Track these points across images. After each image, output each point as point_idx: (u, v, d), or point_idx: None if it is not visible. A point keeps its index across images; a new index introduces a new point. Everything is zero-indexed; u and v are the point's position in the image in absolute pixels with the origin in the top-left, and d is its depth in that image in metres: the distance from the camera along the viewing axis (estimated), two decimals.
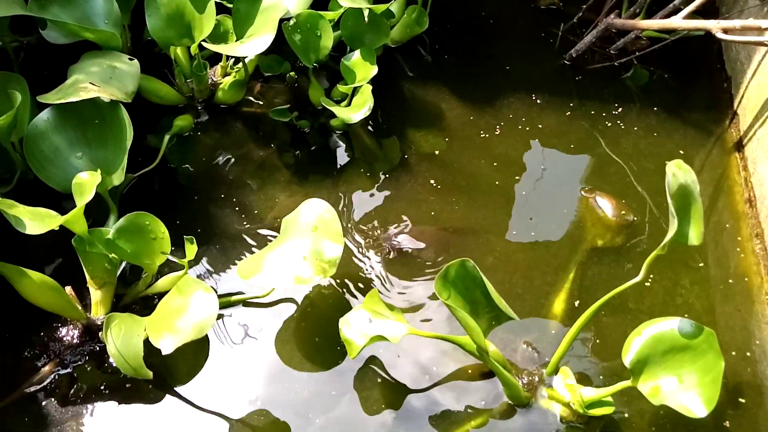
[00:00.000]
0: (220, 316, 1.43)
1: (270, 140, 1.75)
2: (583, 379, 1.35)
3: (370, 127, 1.78)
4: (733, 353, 1.40)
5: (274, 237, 1.53)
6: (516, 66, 1.96)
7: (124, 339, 1.18)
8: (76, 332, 1.37)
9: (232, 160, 1.70)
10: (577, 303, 1.46)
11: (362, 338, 1.23)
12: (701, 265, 1.54)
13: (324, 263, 1.30)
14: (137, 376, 1.19)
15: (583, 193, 1.67)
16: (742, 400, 1.34)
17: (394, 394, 1.34)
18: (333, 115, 1.74)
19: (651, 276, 1.51)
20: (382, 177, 1.69)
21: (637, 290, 1.49)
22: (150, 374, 1.19)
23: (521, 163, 1.73)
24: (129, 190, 1.60)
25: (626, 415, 1.31)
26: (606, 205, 1.62)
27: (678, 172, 1.14)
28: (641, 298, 1.48)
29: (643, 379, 1.18)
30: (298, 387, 1.34)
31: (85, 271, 1.38)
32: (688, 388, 1.13)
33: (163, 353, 1.18)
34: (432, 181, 1.68)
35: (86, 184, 1.31)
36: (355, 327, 1.25)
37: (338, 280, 1.49)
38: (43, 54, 1.75)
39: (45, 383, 1.32)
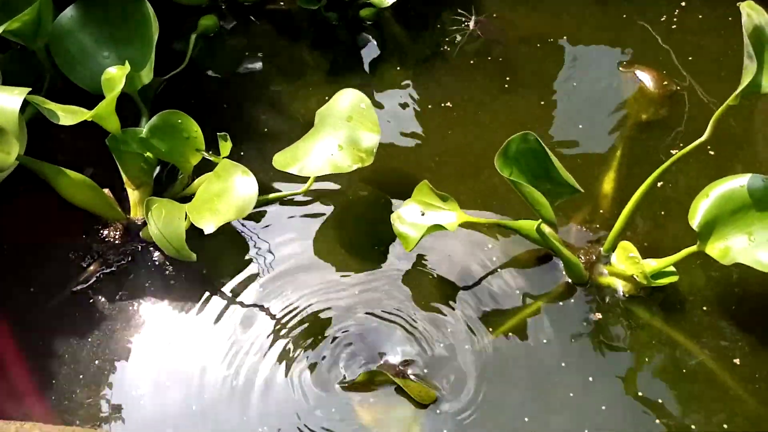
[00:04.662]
0: (259, 215, 1.40)
1: (298, 37, 1.67)
2: (641, 252, 1.28)
3: (401, 17, 1.70)
4: None
5: None
6: None
7: (165, 221, 1.16)
8: (117, 233, 1.36)
9: (261, 59, 1.64)
10: (626, 179, 1.39)
11: (417, 231, 1.19)
12: (755, 145, 1.46)
13: (361, 152, 1.27)
14: (181, 257, 1.17)
15: (621, 68, 1.58)
16: None
17: (445, 290, 1.29)
18: (362, 6, 1.66)
19: (706, 150, 1.43)
20: (417, 68, 1.61)
21: (689, 168, 1.41)
22: (193, 255, 1.17)
23: (559, 44, 1.63)
24: (159, 95, 1.55)
25: (687, 286, 1.26)
26: (646, 78, 1.54)
27: (752, 13, 1.05)
28: (693, 177, 1.40)
29: (712, 242, 1.12)
30: (340, 287, 1.30)
31: (121, 171, 1.36)
32: (760, 245, 1.07)
33: (205, 233, 1.16)
34: (469, 70, 1.59)
35: (115, 77, 1.28)
36: (409, 220, 1.21)
37: (375, 175, 1.43)
38: None
39: (91, 282, 1.31)
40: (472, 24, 1.63)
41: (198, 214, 1.16)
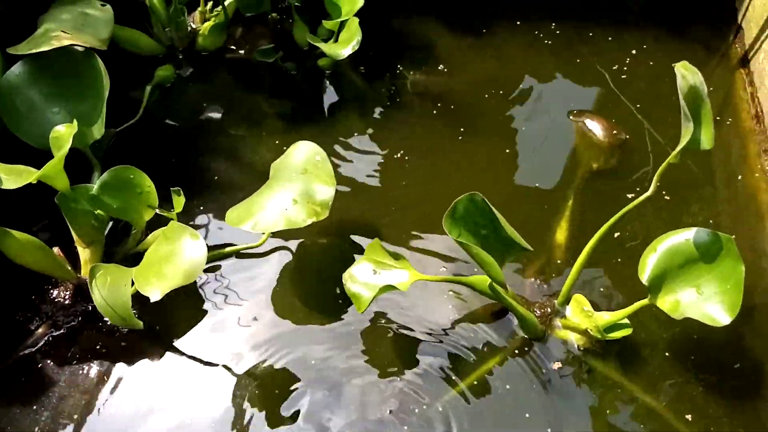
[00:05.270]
0: (214, 269, 1.38)
1: (256, 87, 1.67)
2: (595, 305, 1.28)
3: (359, 66, 1.71)
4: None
5: None
6: None
7: (110, 289, 1.12)
8: (68, 293, 1.33)
9: (218, 109, 1.63)
10: (579, 229, 1.40)
11: (369, 291, 1.16)
12: (708, 187, 1.49)
13: (315, 206, 1.25)
14: (127, 326, 1.14)
15: (571, 117, 1.61)
16: (760, 317, 1.29)
17: (404, 346, 1.27)
18: (319, 56, 1.67)
19: (661, 195, 1.45)
20: (375, 117, 1.62)
21: (643, 214, 1.43)
22: (140, 324, 1.14)
23: (511, 92, 1.66)
24: (113, 147, 1.53)
25: (643, 335, 1.26)
26: (596, 127, 1.57)
27: (686, 74, 1.07)
28: (647, 223, 1.42)
29: (662, 295, 1.13)
30: (298, 343, 1.28)
31: (71, 230, 1.32)
32: (708, 298, 1.08)
33: (151, 300, 1.12)
34: (426, 119, 1.61)
35: (64, 136, 1.25)
36: (361, 280, 1.18)
37: (333, 226, 1.42)
38: (7, 13, 1.66)
39: (39, 345, 1.27)
40: (408, 85, 1.66)
41: (144, 280, 1.13)
